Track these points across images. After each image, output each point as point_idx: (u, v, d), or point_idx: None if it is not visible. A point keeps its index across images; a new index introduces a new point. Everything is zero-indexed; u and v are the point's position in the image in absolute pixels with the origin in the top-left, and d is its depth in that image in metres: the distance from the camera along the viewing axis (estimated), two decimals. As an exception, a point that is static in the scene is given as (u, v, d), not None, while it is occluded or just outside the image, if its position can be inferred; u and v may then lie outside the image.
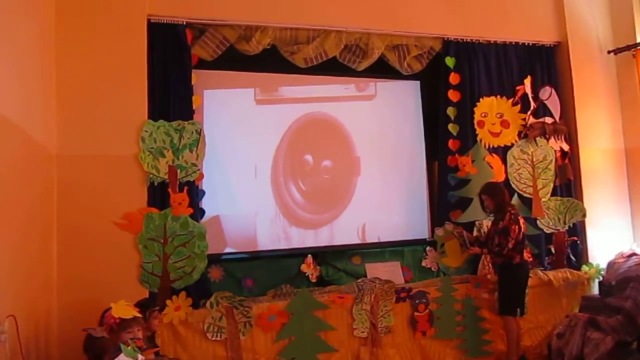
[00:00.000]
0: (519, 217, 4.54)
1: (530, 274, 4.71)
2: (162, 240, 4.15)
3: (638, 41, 5.49)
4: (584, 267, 5.30)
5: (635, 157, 5.62)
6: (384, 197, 5.33)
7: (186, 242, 4.21)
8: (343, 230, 5.15)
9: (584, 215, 5.39)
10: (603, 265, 5.26)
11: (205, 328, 4.07)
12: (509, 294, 4.54)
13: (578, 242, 5.42)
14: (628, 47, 5.55)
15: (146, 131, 4.17)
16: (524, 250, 4.53)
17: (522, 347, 4.71)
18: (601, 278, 5.19)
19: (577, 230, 5.45)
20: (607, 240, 5.43)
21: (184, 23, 4.48)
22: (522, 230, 4.51)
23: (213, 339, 4.08)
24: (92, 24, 4.10)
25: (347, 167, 5.28)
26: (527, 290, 4.60)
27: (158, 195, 4.25)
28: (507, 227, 4.43)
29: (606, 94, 5.74)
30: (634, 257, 4.98)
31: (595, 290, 5.22)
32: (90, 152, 4.00)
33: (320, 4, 4.87)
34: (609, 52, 5.72)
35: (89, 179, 3.98)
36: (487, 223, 4.97)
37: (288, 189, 5.00)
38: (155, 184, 4.22)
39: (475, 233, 5.00)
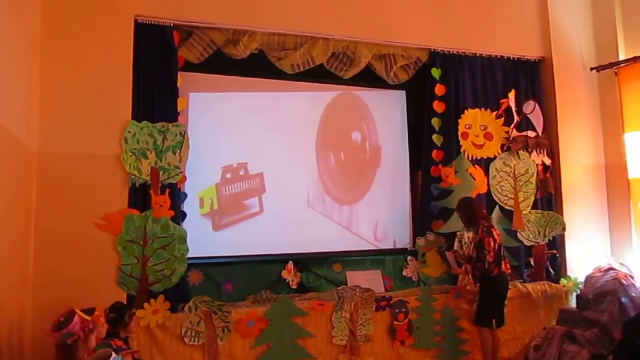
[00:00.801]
0: (492, 229, 4.52)
1: (509, 286, 4.73)
2: (142, 242, 4.11)
3: (620, 59, 5.59)
4: (562, 280, 5.35)
5: (615, 173, 5.69)
6: (367, 204, 5.34)
7: (166, 244, 4.18)
8: (326, 235, 5.15)
9: (564, 229, 5.45)
10: (581, 278, 5.31)
11: (183, 332, 4.02)
12: (485, 305, 4.54)
13: (557, 255, 5.48)
14: (610, 65, 5.64)
15: (129, 132, 4.14)
16: (502, 262, 4.52)
17: (500, 358, 4.72)
18: (579, 291, 5.24)
19: (557, 244, 5.51)
20: (585, 254, 5.49)
21: (172, 25, 4.46)
22: (498, 241, 4.49)
23: (190, 343, 4.03)
24: (79, 22, 4.08)
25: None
26: (506, 302, 4.63)
27: (139, 196, 4.21)
28: (482, 240, 4.43)
29: (588, 110, 5.83)
30: (611, 271, 5.03)
31: (572, 303, 5.27)
32: (71, 151, 3.96)
33: (308, 11, 4.88)
34: (591, 69, 5.82)
35: (69, 177, 3.93)
36: (468, 234, 4.99)
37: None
38: (137, 185, 4.18)
39: (456, 244, 5.03)
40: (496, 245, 4.44)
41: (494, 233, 4.48)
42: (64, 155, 3.93)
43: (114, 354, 2.49)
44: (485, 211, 4.85)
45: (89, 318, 2.76)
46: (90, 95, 4.04)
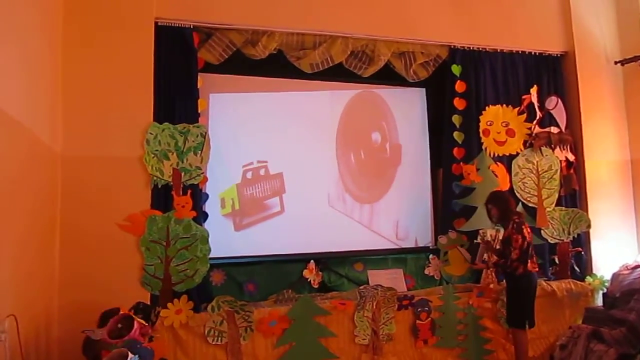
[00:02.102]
0: (524, 226, 4.41)
1: (535, 285, 4.66)
2: (165, 243, 4.14)
3: (645, 52, 5.48)
4: (588, 278, 5.27)
5: (641, 169, 5.59)
6: (387, 203, 5.32)
7: (189, 245, 4.20)
8: (347, 234, 5.15)
9: (589, 226, 5.36)
10: (607, 276, 5.22)
11: (206, 332, 4.05)
12: (515, 306, 4.45)
13: (582, 253, 5.39)
14: (635, 58, 5.52)
15: (151, 133, 4.18)
16: (529, 261, 4.38)
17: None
18: (605, 290, 5.15)
19: (582, 241, 5.42)
20: (611, 252, 5.39)
21: (191, 26, 4.49)
22: (528, 239, 4.38)
23: (214, 343, 4.06)
24: (100, 25, 4.12)
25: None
26: (534, 302, 4.55)
27: (162, 197, 4.25)
28: (510, 237, 4.35)
29: (613, 104, 5.72)
30: (639, 269, 4.93)
31: (599, 301, 5.18)
32: (94, 153, 4.01)
33: (327, 10, 4.87)
34: (615, 62, 5.70)
35: (93, 179, 3.98)
36: (490, 232, 4.93)
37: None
38: (159, 187, 4.22)
39: (479, 241, 4.96)
40: (525, 243, 4.32)
41: (524, 230, 4.37)
42: (87, 158, 3.98)
43: (130, 355, 2.49)
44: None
45: (146, 323, 2.78)
46: (112, 98, 4.09)
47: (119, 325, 2.72)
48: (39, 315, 3.35)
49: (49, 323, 3.56)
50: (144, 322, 2.75)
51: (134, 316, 2.76)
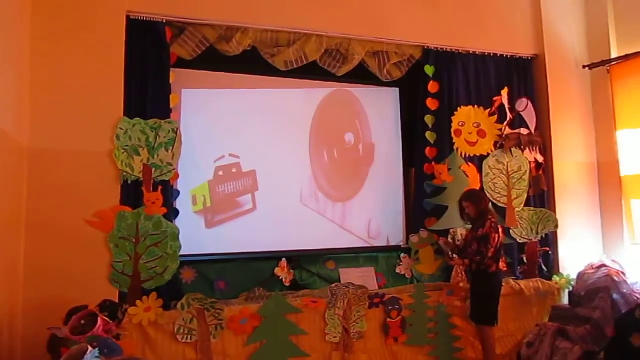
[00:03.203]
0: (499, 226, 4.54)
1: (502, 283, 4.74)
2: (134, 240, 4.08)
3: (612, 56, 5.61)
4: (555, 277, 5.37)
5: (607, 170, 5.71)
6: (360, 201, 5.34)
7: (158, 242, 4.15)
8: (319, 232, 5.15)
9: (556, 226, 5.47)
10: (573, 275, 5.33)
11: (175, 330, 4.00)
12: (486, 303, 4.51)
13: (549, 252, 5.50)
14: (602, 62, 5.66)
15: (121, 128, 4.11)
16: (500, 259, 4.51)
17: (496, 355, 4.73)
18: (571, 288, 5.25)
19: (549, 241, 5.53)
20: (577, 251, 5.52)
21: (164, 21, 4.43)
22: (500, 239, 4.50)
23: (183, 340, 4.00)
24: (70, 16, 4.04)
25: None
26: (499, 300, 4.63)
27: (131, 193, 4.18)
28: (487, 235, 4.41)
29: (580, 107, 5.85)
30: (603, 268, 5.05)
31: (565, 300, 5.28)
32: (63, 147, 3.93)
33: (301, 8, 4.87)
34: (584, 66, 5.83)
35: (60, 173, 3.90)
36: (461, 231, 5.00)
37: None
38: (129, 182, 4.15)
39: (449, 240, 5.02)
40: (499, 242, 4.44)
41: (500, 230, 4.48)
42: (55, 151, 3.90)
43: (90, 348, 2.42)
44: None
45: (110, 321, 2.73)
46: (81, 91, 4.01)
47: (82, 322, 2.66)
48: (2, 311, 3.26)
49: (12, 319, 3.47)
50: (108, 320, 2.70)
51: (98, 313, 2.70)
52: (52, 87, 3.94)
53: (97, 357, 2.37)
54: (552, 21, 5.80)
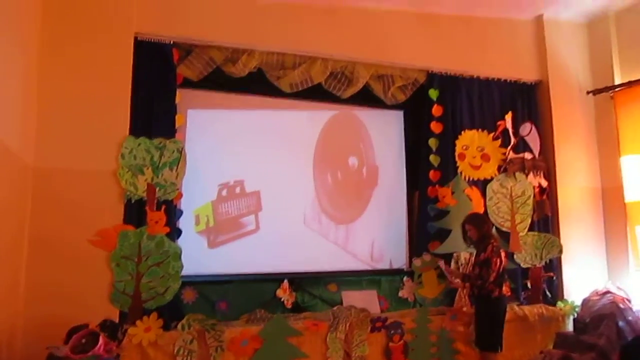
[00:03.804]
0: (501, 250, 4.45)
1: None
2: (136, 259, 4.08)
3: (616, 83, 5.64)
4: (559, 304, 5.32)
5: (611, 196, 5.69)
6: (363, 224, 5.33)
7: (160, 261, 4.15)
8: (322, 254, 5.13)
9: (561, 252, 5.43)
10: (578, 302, 5.28)
11: (176, 351, 3.95)
12: (490, 329, 4.40)
13: (554, 278, 5.45)
14: (606, 89, 5.69)
15: (126, 147, 4.14)
16: (504, 284, 4.45)
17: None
18: (576, 315, 5.20)
19: (553, 266, 5.48)
20: (582, 277, 5.47)
21: (171, 42, 4.49)
22: (503, 263, 4.41)
23: (183, 362, 3.97)
24: (79, 37, 4.10)
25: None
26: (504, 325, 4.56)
27: (135, 213, 4.19)
28: (489, 259, 4.34)
29: (585, 133, 5.86)
30: (608, 295, 5.00)
31: (569, 326, 5.23)
32: (68, 166, 3.95)
33: (307, 32, 4.93)
34: (588, 92, 5.86)
35: (65, 192, 3.92)
36: (465, 255, 4.98)
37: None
38: (133, 201, 4.16)
39: (452, 265, 4.98)
40: (501, 267, 4.36)
41: (502, 254, 4.41)
42: (60, 170, 3.92)
43: None
44: None
45: (112, 340, 2.71)
46: (88, 111, 4.05)
47: (83, 341, 2.64)
48: (3, 329, 3.25)
49: (12, 337, 3.45)
50: (108, 339, 2.68)
51: (99, 332, 2.69)
52: (59, 106, 3.98)
53: None
54: (556, 47, 5.85)
